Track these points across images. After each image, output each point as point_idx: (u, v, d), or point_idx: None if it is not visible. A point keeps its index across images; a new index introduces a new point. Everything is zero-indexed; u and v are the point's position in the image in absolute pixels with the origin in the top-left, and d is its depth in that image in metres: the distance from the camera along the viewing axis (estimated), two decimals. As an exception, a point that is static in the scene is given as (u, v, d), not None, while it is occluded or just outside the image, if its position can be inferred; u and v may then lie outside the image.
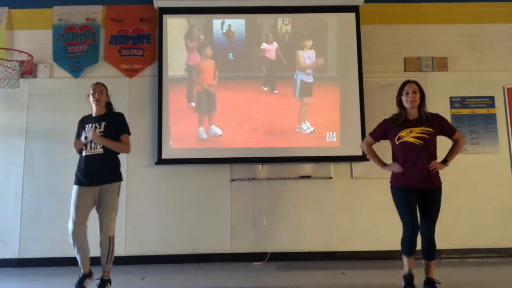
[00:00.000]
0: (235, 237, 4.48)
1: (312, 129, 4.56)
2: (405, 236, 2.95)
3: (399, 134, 2.99)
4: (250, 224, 4.50)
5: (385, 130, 3.09)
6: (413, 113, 3.01)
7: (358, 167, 4.59)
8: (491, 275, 3.70)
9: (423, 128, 2.96)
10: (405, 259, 2.98)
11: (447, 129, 3.04)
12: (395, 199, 3.03)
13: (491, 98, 4.76)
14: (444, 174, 4.53)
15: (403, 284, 2.99)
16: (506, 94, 4.75)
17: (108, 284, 3.19)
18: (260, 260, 4.35)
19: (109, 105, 3.41)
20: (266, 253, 4.38)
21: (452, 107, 4.74)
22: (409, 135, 2.96)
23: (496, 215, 4.53)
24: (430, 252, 2.91)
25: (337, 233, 4.51)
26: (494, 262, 4.26)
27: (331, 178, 4.58)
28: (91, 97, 3.31)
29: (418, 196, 2.96)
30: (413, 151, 2.93)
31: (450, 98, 4.75)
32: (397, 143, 3.00)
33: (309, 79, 4.63)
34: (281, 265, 4.23)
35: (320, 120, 4.57)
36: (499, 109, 4.74)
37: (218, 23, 4.66)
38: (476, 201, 4.56)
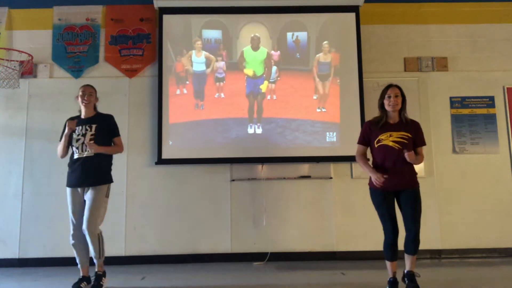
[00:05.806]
0: (235, 237, 4.48)
1: (312, 128, 4.56)
2: (386, 240, 2.99)
3: (379, 137, 3.02)
4: (250, 224, 4.50)
5: (367, 133, 3.11)
6: (394, 117, 3.05)
7: (358, 167, 4.52)
8: (491, 275, 3.71)
9: (402, 133, 2.99)
10: (388, 264, 3.01)
11: (419, 139, 3.06)
12: (374, 201, 3.08)
13: (491, 98, 4.75)
14: (444, 174, 4.60)
15: None
16: (506, 94, 4.75)
17: (103, 277, 3.24)
18: (260, 260, 4.35)
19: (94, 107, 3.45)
20: (266, 253, 4.38)
21: (452, 107, 4.74)
22: (388, 139, 2.99)
23: (496, 215, 4.53)
24: (414, 247, 2.93)
25: (337, 233, 4.51)
26: (494, 262, 4.26)
27: (331, 178, 4.58)
28: (80, 99, 3.33)
29: (396, 198, 3.02)
30: (391, 155, 2.97)
31: (450, 98, 4.75)
32: (376, 145, 3.03)
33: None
34: (281, 265, 4.23)
35: (320, 120, 4.57)
36: (499, 109, 4.74)
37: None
38: (476, 201, 4.55)
